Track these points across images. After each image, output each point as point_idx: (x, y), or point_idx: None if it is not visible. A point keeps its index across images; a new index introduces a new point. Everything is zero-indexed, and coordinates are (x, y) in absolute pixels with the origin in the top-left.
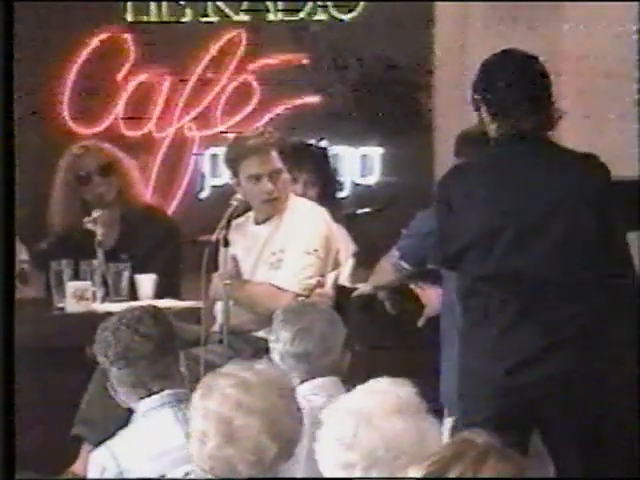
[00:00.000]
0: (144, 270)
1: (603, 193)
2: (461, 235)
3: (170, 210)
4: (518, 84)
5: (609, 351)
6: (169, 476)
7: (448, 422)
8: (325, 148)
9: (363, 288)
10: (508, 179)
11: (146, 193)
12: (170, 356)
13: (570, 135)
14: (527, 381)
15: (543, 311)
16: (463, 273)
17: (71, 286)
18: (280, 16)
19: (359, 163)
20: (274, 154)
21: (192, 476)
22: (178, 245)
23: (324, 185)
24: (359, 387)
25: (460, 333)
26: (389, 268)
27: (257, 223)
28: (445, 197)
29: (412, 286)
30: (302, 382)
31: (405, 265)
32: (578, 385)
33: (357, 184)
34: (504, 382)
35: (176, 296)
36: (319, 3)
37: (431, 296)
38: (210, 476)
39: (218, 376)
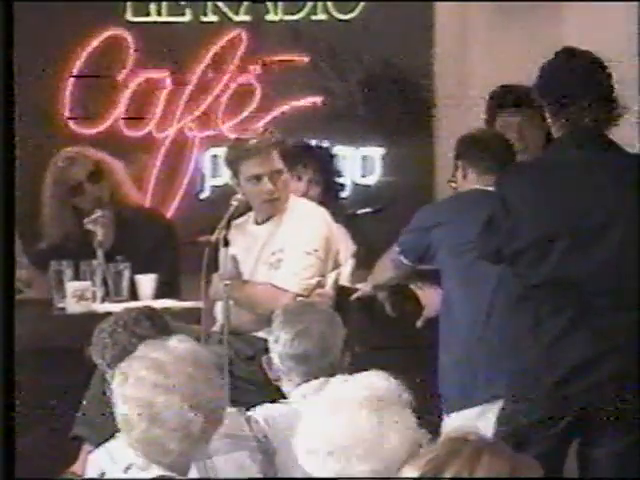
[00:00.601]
0: (141, 270)
1: None
2: (518, 237)
3: (170, 210)
4: (580, 82)
5: None
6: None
7: (448, 419)
8: (329, 148)
9: (363, 288)
10: (567, 183)
11: (136, 193)
12: None
13: None
14: (577, 389)
15: (595, 319)
16: (516, 276)
17: (71, 286)
18: (280, 16)
19: (360, 163)
20: (275, 155)
21: (133, 469)
22: (174, 244)
23: (327, 185)
24: (335, 379)
25: (511, 337)
26: (389, 264)
27: (257, 223)
28: (502, 195)
29: (412, 287)
30: (301, 383)
31: (405, 261)
32: (628, 393)
33: (357, 184)
34: (554, 388)
35: (176, 296)
36: (319, 3)
37: (430, 297)
38: (144, 458)
39: (131, 360)
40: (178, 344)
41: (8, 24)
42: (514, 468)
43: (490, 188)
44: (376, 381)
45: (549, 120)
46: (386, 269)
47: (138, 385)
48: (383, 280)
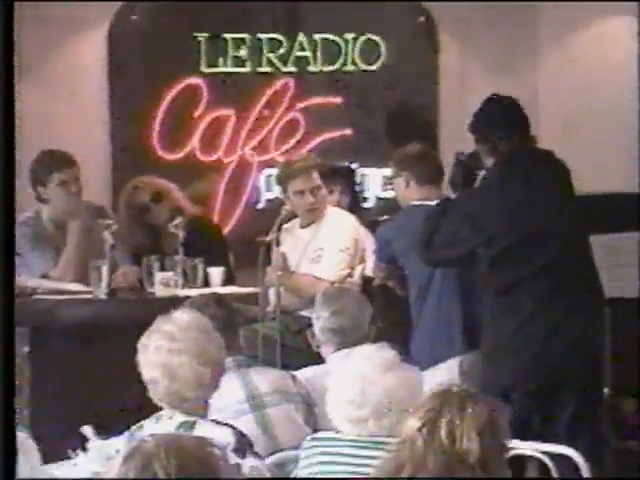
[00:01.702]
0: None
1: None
2: (489, 241)
3: (234, 218)
4: (507, 117)
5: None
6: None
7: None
8: (353, 169)
9: (377, 279)
10: (510, 194)
11: (190, 206)
12: (231, 331)
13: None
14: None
15: (555, 303)
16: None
17: (159, 276)
18: (319, 67)
19: (380, 181)
20: (315, 174)
21: (163, 418)
22: (224, 242)
23: (354, 198)
24: (350, 357)
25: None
26: (375, 268)
27: (301, 227)
28: (465, 209)
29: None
30: (336, 350)
31: (382, 264)
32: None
33: (380, 198)
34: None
35: (231, 283)
36: (349, 57)
37: None
38: (169, 409)
39: (149, 333)
40: (182, 315)
41: (8, 24)
42: (490, 407)
43: (425, 202)
44: (383, 352)
45: (482, 148)
46: (376, 271)
47: (157, 352)
48: (379, 277)
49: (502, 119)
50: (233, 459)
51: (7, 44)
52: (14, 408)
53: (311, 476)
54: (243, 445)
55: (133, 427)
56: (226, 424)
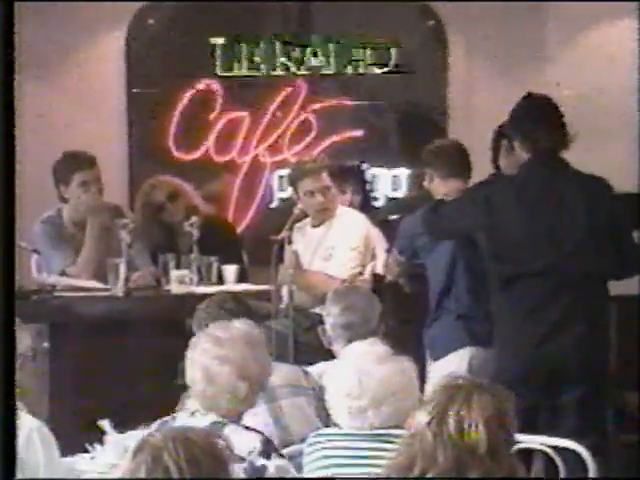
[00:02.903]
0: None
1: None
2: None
3: (248, 216)
4: (540, 118)
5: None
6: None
7: (431, 364)
8: (364, 169)
9: (390, 275)
10: (536, 193)
11: (204, 205)
12: None
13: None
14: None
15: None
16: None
17: (174, 273)
18: (332, 70)
19: (391, 181)
20: (325, 175)
21: (197, 414)
22: (238, 240)
23: (365, 197)
24: (343, 352)
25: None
26: (392, 262)
27: (313, 226)
28: (487, 198)
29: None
30: (347, 344)
31: (402, 259)
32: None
33: (389, 197)
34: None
35: (244, 281)
36: (361, 61)
37: None
38: (219, 417)
39: (201, 335)
40: (237, 325)
41: (8, 24)
42: (495, 397)
43: (451, 197)
44: (375, 346)
45: (518, 147)
46: (392, 266)
47: (202, 353)
48: (394, 273)
49: (541, 117)
50: (259, 461)
51: (7, 43)
52: (14, 408)
53: (314, 470)
54: (268, 449)
55: (166, 417)
56: (254, 429)
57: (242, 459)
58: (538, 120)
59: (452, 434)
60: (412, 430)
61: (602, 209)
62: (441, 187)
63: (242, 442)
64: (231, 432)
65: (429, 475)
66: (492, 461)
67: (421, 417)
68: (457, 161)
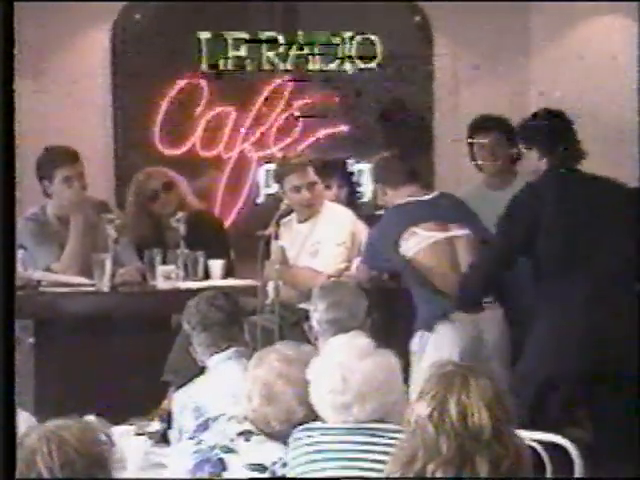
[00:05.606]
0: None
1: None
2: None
3: (234, 212)
4: (554, 131)
5: None
6: (229, 411)
7: (418, 335)
8: (349, 164)
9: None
10: (561, 195)
11: (196, 200)
12: (236, 323)
13: None
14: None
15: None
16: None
17: (160, 269)
18: (317, 66)
19: None
20: (310, 170)
21: (232, 421)
22: (226, 237)
23: (351, 192)
24: (327, 347)
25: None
26: (362, 272)
27: (299, 222)
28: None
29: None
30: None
31: (371, 270)
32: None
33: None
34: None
35: (231, 276)
36: (346, 57)
37: None
38: (252, 427)
39: (269, 351)
40: (308, 349)
41: (8, 24)
42: (490, 379)
43: (409, 199)
44: (357, 340)
45: (539, 155)
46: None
47: (268, 370)
48: (365, 280)
49: (559, 133)
50: (280, 472)
51: (7, 44)
52: (14, 408)
53: (301, 464)
54: None
55: (209, 417)
56: (278, 440)
57: (265, 468)
58: (555, 136)
59: (455, 423)
60: (411, 423)
61: (622, 208)
62: (396, 198)
63: (267, 452)
64: (258, 442)
65: (431, 466)
66: (498, 444)
67: (420, 409)
68: (402, 169)
